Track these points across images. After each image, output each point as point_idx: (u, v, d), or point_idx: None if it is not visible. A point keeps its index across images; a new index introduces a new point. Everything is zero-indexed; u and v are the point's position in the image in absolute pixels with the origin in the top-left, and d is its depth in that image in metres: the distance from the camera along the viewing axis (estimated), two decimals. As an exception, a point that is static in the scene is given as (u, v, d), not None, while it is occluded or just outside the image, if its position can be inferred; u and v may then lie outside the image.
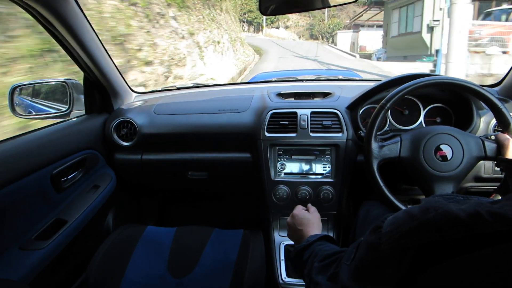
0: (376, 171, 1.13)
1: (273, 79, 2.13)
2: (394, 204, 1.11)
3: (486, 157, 1.09)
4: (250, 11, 46.20)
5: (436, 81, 1.13)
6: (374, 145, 1.14)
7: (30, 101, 1.58)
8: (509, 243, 0.40)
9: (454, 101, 1.43)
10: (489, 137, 1.15)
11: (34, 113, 1.58)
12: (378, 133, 1.17)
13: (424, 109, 1.46)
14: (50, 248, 1.15)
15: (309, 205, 1.24)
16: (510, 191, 0.98)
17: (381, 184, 1.13)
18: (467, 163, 1.08)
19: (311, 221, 1.09)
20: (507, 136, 1.06)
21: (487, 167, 1.35)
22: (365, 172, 1.16)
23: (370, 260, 0.57)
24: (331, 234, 1.47)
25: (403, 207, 1.11)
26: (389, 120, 1.48)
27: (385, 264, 0.52)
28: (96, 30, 1.43)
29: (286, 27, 55.51)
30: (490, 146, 1.09)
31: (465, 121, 1.37)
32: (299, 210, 1.17)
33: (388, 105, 1.13)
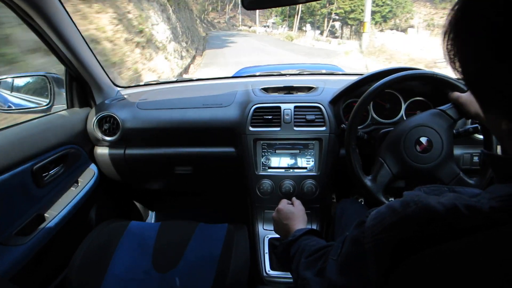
0: (357, 166, 1.17)
1: (257, 74, 2.13)
2: (376, 197, 1.14)
3: (454, 121, 1.12)
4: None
5: (414, 75, 1.16)
6: (368, 183, 1.16)
7: (10, 95, 1.55)
8: (482, 234, 0.41)
9: (434, 94, 1.46)
10: (468, 129, 1.18)
11: (13, 108, 1.55)
12: (360, 127, 1.19)
13: (404, 103, 1.49)
14: (31, 244, 1.13)
15: (294, 198, 1.25)
16: (492, 183, 1.01)
17: (363, 178, 1.16)
18: (447, 138, 1.11)
19: (296, 214, 1.10)
20: (456, 93, 1.10)
21: (465, 159, 1.38)
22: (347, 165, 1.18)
23: (355, 254, 0.58)
24: (314, 227, 1.49)
25: (385, 201, 1.13)
26: (371, 114, 1.50)
27: (368, 258, 0.53)
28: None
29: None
30: (450, 110, 1.12)
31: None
32: (283, 204, 1.18)
33: (368, 99, 1.16)
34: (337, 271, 0.63)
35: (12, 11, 1.21)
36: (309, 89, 1.63)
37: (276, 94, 1.64)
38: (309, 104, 1.48)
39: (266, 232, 1.50)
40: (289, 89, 1.68)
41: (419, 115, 1.16)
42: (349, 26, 41.96)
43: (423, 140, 1.11)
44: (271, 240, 1.47)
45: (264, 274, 1.38)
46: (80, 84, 1.61)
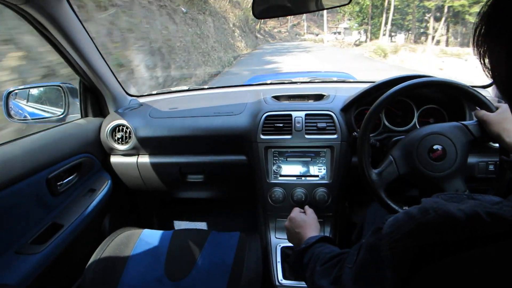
0: (385, 197, 1.13)
1: (268, 82, 2.14)
2: (388, 205, 1.11)
3: (475, 138, 1.09)
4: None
5: (428, 82, 1.14)
6: (373, 175, 1.14)
7: (26, 105, 1.58)
8: (505, 242, 0.40)
9: (447, 102, 1.44)
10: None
11: (29, 118, 1.58)
12: (372, 135, 1.18)
13: (417, 110, 1.47)
14: (46, 253, 1.15)
15: (306, 207, 1.24)
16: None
17: (390, 203, 1.13)
18: (462, 152, 1.08)
19: (308, 222, 1.10)
20: (483, 111, 1.06)
21: (480, 167, 1.36)
22: (359, 173, 1.17)
23: (371, 262, 0.57)
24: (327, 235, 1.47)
25: (399, 209, 1.11)
26: (383, 122, 1.48)
27: (385, 266, 0.51)
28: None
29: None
30: (473, 126, 1.09)
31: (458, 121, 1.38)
32: (296, 213, 1.17)
33: (381, 106, 1.14)
34: (352, 279, 0.62)
35: (27, 22, 1.23)
36: (320, 97, 1.63)
37: (287, 102, 1.64)
38: (320, 112, 1.48)
39: (278, 241, 1.49)
40: (300, 97, 1.68)
41: (438, 124, 1.14)
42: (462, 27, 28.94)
43: (437, 147, 1.09)
44: (283, 249, 1.46)
45: (277, 283, 1.37)
46: (94, 94, 1.64)
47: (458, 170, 1.08)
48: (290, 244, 1.15)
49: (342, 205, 1.71)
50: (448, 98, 1.43)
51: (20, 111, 1.55)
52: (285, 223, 1.16)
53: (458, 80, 1.13)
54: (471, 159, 1.14)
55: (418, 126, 1.46)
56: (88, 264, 1.25)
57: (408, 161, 1.12)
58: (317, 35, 58.67)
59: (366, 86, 1.44)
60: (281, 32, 63.67)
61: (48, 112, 1.60)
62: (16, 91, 1.53)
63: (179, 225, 2.17)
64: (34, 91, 1.63)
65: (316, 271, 0.78)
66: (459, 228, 0.44)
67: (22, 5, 1.13)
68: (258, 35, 42.24)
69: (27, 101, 1.59)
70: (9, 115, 1.49)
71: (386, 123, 1.48)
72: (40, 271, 1.12)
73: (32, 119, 1.59)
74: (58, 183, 1.32)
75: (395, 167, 1.14)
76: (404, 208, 1.12)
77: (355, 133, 1.37)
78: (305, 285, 1.32)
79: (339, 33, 50.84)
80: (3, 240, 1.10)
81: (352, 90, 1.56)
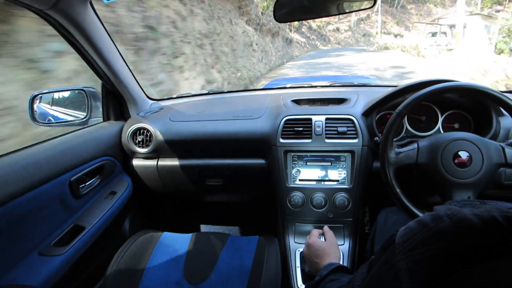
0: (392, 178, 1.11)
1: (288, 86, 2.13)
2: (410, 209, 1.09)
3: (506, 164, 1.06)
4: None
5: (455, 87, 1.10)
6: (391, 152, 1.12)
7: (50, 109, 1.61)
8: None
9: (473, 107, 1.40)
10: (510, 144, 1.12)
11: (53, 121, 1.62)
12: (394, 140, 1.16)
13: (441, 115, 1.44)
14: (68, 254, 1.16)
15: (326, 228, 1.23)
16: None
17: (398, 190, 1.11)
18: (487, 170, 1.04)
19: (327, 251, 1.08)
20: None
21: (508, 174, 1.32)
22: (381, 178, 1.15)
23: (385, 273, 0.56)
24: (347, 243, 1.45)
25: (419, 213, 1.08)
26: (406, 127, 1.46)
27: (401, 276, 0.50)
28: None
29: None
30: (511, 153, 1.06)
31: (484, 127, 1.34)
32: (314, 238, 1.15)
33: (404, 111, 1.11)
34: None
35: (51, 26, 1.26)
36: (340, 101, 1.62)
37: (307, 106, 1.63)
38: (341, 116, 1.46)
39: (297, 245, 1.48)
40: (320, 101, 1.66)
41: (475, 135, 1.09)
42: None
43: (463, 154, 1.06)
44: (302, 254, 1.44)
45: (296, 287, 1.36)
46: (116, 97, 1.66)
47: (474, 184, 1.05)
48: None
49: (363, 211, 1.69)
50: (473, 103, 1.39)
51: (44, 114, 1.58)
52: (303, 251, 1.15)
53: (484, 85, 1.10)
54: (499, 159, 1.10)
55: (442, 131, 1.43)
56: (109, 266, 1.26)
57: (431, 155, 1.09)
58: (396, 35, 39.94)
59: (388, 90, 1.42)
60: (340, 30, 44.31)
61: (71, 115, 1.63)
62: (41, 95, 1.56)
63: (198, 228, 2.17)
64: (58, 95, 1.67)
65: None
66: (475, 234, 0.43)
67: (47, 10, 1.15)
68: (297, 36, 30.63)
69: (51, 105, 1.62)
70: (33, 118, 1.52)
71: (409, 128, 1.46)
72: (62, 273, 1.13)
73: (55, 122, 1.62)
74: (81, 186, 1.34)
75: (416, 154, 1.12)
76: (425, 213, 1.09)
77: (377, 138, 1.35)
78: None
79: (445, 33, 27.80)
80: (27, 241, 1.12)
81: (374, 94, 1.54)
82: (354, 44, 40.47)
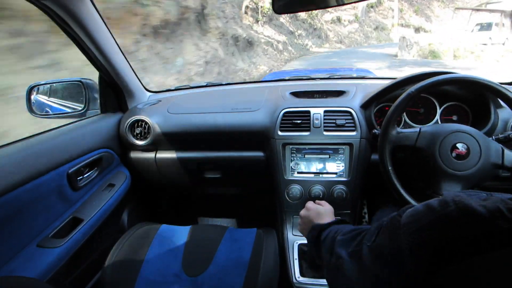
0: (387, 155, 1.13)
1: (286, 78, 2.12)
2: (396, 188, 1.12)
3: (502, 166, 1.06)
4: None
5: (454, 79, 1.10)
6: (392, 130, 1.14)
7: (47, 100, 1.60)
8: None
9: (471, 99, 1.40)
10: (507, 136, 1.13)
11: (50, 113, 1.61)
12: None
13: (440, 107, 1.44)
14: (66, 246, 1.16)
15: (322, 201, 1.23)
16: None
17: (390, 168, 1.13)
18: (482, 167, 1.05)
19: (325, 213, 1.08)
20: None
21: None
22: (379, 170, 1.15)
23: (389, 249, 0.56)
24: None
25: (405, 194, 1.11)
26: (404, 119, 1.46)
27: (404, 256, 0.51)
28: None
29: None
30: (509, 156, 1.06)
31: (482, 119, 1.34)
32: (312, 203, 1.16)
33: (415, 93, 1.12)
34: (371, 257, 0.61)
35: (49, 18, 1.25)
36: (339, 93, 1.61)
37: (305, 98, 1.63)
38: (339, 108, 1.46)
39: (296, 238, 1.48)
40: (319, 93, 1.66)
41: (477, 131, 1.10)
42: None
43: (460, 146, 1.06)
44: (300, 246, 1.45)
45: (294, 280, 1.36)
46: (113, 89, 1.65)
47: (466, 178, 1.06)
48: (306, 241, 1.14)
49: (361, 203, 1.69)
50: (472, 95, 1.39)
51: (41, 106, 1.58)
52: (301, 212, 1.14)
53: (483, 76, 1.10)
54: (497, 159, 1.10)
55: (440, 123, 1.43)
56: (107, 258, 1.26)
57: (431, 141, 1.10)
58: (416, 29, 29.92)
59: (386, 82, 1.42)
60: (342, 21, 27.20)
61: (69, 107, 1.62)
62: (38, 86, 1.55)
63: (196, 221, 2.18)
64: (55, 86, 1.66)
65: (337, 240, 0.77)
66: (479, 223, 0.43)
67: (44, 1, 1.14)
68: (268, 32, 16.91)
69: (48, 96, 1.62)
70: (31, 109, 1.52)
71: (408, 120, 1.46)
72: (60, 264, 1.13)
73: (53, 114, 1.61)
74: (79, 178, 1.34)
75: (416, 137, 1.14)
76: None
77: (375, 130, 1.35)
78: (322, 283, 1.32)
79: (496, 24, 18.85)
80: (26, 233, 1.12)
81: (372, 86, 1.54)
82: (363, 42, 26.28)
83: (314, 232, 0.95)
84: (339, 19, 27.26)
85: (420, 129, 1.15)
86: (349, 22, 27.99)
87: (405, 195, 1.11)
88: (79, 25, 1.28)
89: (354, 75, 2.12)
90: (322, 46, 22.69)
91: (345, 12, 28.01)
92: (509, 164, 1.06)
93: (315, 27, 23.11)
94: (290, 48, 17.87)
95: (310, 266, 1.38)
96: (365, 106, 1.46)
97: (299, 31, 20.93)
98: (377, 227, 0.64)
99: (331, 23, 26.20)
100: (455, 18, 27.57)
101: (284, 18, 19.53)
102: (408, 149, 1.15)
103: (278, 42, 16.86)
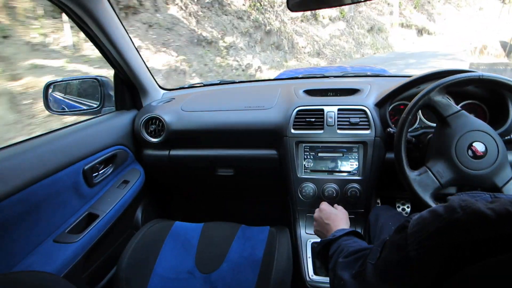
0: (403, 155, 1.10)
1: (300, 76, 2.11)
2: (421, 199, 1.07)
3: None
4: None
5: (477, 77, 1.06)
6: (410, 174, 1.08)
7: (63, 97, 1.63)
8: None
9: (489, 98, 1.38)
10: None
11: (67, 110, 1.63)
12: (408, 130, 1.14)
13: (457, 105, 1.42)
14: (82, 242, 1.18)
15: (336, 205, 1.22)
16: None
17: (403, 154, 1.10)
18: (497, 168, 1.02)
19: (339, 216, 1.08)
20: None
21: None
22: (394, 169, 1.13)
23: (397, 260, 0.56)
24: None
25: (432, 203, 1.06)
26: (420, 117, 1.44)
27: (413, 266, 0.50)
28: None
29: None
30: None
31: (499, 119, 1.32)
32: (326, 205, 1.16)
33: (419, 105, 1.09)
34: (377, 276, 0.61)
35: (66, 16, 1.27)
36: (353, 91, 1.60)
37: (319, 96, 1.62)
38: (353, 106, 1.45)
39: (309, 236, 1.48)
40: (333, 92, 1.65)
41: (491, 129, 1.07)
42: None
43: (478, 145, 1.04)
44: (313, 244, 1.44)
45: (308, 278, 1.36)
46: (128, 87, 1.67)
47: (480, 178, 1.03)
48: (319, 240, 1.13)
49: (374, 202, 1.68)
50: (490, 94, 1.36)
51: (58, 103, 1.60)
52: (314, 214, 1.14)
53: (501, 76, 1.07)
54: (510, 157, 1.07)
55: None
56: (122, 254, 1.27)
57: (448, 165, 1.06)
58: (419, 30, 22.92)
59: (402, 80, 1.40)
60: (321, 21, 14.86)
61: (84, 104, 1.64)
62: (55, 83, 1.58)
63: (210, 218, 2.19)
64: (71, 84, 1.68)
65: (338, 262, 0.77)
66: (488, 227, 0.43)
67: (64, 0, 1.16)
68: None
69: (65, 94, 1.64)
70: (47, 106, 1.54)
71: (423, 118, 1.44)
72: (76, 260, 1.15)
73: (69, 111, 1.64)
74: (94, 174, 1.35)
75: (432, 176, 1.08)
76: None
77: (390, 129, 1.34)
78: None
79: None
80: (43, 228, 1.14)
81: (387, 84, 1.52)
82: (354, 52, 16.06)
83: (319, 247, 0.95)
84: (315, 16, 15.05)
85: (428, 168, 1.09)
86: (331, 20, 16.03)
87: (425, 198, 1.06)
88: (96, 23, 1.30)
89: (369, 73, 2.09)
90: (283, 66, 11.09)
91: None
92: None
93: (268, 28, 11.38)
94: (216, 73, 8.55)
95: (323, 265, 1.38)
96: (380, 104, 1.44)
97: (231, 38, 9.77)
98: (380, 244, 0.64)
99: (301, 21, 14.28)
100: (458, 15, 25.16)
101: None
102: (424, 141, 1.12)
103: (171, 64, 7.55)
